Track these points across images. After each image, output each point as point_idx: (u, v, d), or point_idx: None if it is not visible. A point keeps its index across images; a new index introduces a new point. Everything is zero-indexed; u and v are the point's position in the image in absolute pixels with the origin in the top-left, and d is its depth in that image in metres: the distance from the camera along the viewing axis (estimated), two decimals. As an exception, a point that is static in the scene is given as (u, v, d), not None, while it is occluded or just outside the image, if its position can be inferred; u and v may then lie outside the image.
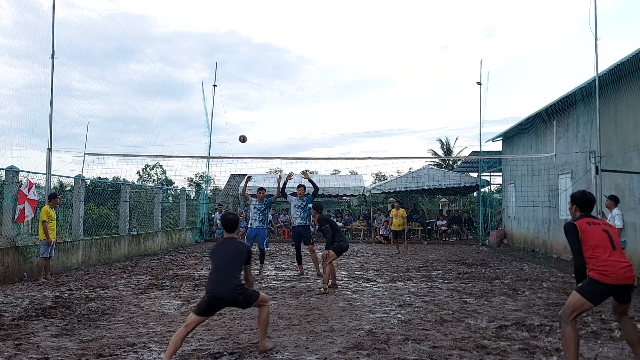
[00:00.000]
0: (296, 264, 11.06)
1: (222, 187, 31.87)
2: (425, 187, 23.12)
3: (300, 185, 10.78)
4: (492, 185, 25.14)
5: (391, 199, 25.69)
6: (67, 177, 12.89)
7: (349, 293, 8.43)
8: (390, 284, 9.44)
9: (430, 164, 29.03)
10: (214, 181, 25.65)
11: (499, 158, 20.89)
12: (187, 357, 4.74)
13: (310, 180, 10.73)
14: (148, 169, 46.93)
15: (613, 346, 5.22)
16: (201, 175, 35.42)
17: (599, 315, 6.50)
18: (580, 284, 4.19)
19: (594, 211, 4.63)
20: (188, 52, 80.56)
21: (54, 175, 11.56)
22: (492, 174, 23.81)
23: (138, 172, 44.64)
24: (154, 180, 45.84)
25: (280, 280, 9.93)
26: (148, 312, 6.76)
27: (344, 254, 9.44)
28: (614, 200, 9.29)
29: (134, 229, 16.22)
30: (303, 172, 12.03)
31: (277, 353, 4.89)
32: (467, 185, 23.21)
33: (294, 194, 10.74)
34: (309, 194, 10.67)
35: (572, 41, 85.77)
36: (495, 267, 12.42)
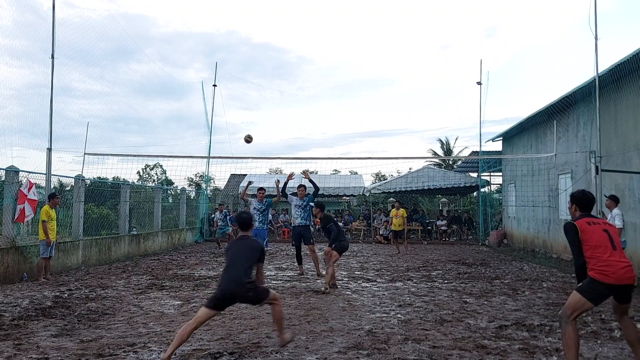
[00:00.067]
0: (296, 264, 11.06)
1: (222, 187, 31.88)
2: (425, 187, 23.12)
3: (300, 185, 10.77)
4: (492, 185, 25.15)
5: (391, 199, 25.70)
6: (67, 177, 12.90)
7: (349, 293, 8.43)
8: (390, 284, 9.44)
9: (430, 164, 29.03)
10: (214, 181, 25.68)
11: (499, 158, 20.89)
12: (187, 357, 4.74)
13: (310, 180, 10.73)
14: (148, 169, 46.97)
15: (613, 346, 5.22)
16: (201, 175, 35.45)
17: (599, 315, 6.50)
18: (580, 284, 4.19)
19: (594, 211, 4.62)
20: (188, 52, 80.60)
21: (54, 175, 11.57)
22: (492, 174, 23.81)
23: (138, 172, 44.68)
24: (154, 180, 45.86)
25: (280, 280, 9.93)
26: (148, 312, 6.76)
27: (344, 253, 9.49)
28: (614, 200, 9.29)
29: (134, 229, 16.23)
30: (303, 172, 12.03)
31: (277, 353, 4.89)
32: (467, 185, 23.21)
33: (294, 194, 10.74)
34: (309, 194, 10.67)
35: (572, 41, 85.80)
36: (495, 267, 12.42)
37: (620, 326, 4.46)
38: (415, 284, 9.46)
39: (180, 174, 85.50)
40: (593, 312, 6.45)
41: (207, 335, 5.53)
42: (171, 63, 74.72)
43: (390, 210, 19.09)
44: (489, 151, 22.05)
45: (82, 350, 4.90)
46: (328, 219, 9.26)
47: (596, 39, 10.50)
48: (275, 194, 10.96)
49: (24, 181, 10.38)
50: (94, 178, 16.39)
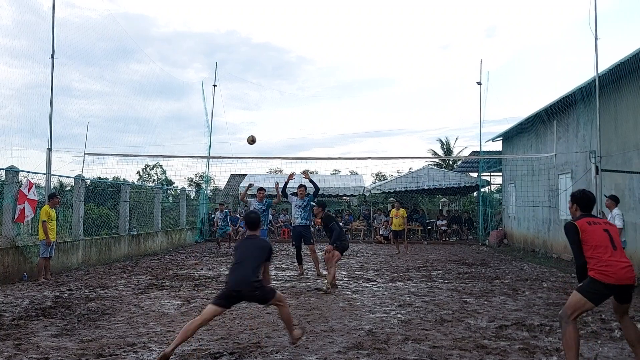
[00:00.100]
0: (296, 264, 11.05)
1: (222, 187, 31.89)
2: (425, 187, 23.12)
3: (301, 186, 10.76)
4: (492, 185, 25.15)
5: (391, 199, 25.70)
6: (67, 177, 12.90)
7: (349, 293, 8.43)
8: (390, 284, 9.44)
9: (430, 164, 29.02)
10: (214, 181, 25.73)
11: (499, 158, 20.89)
12: (187, 357, 4.74)
13: (310, 181, 10.72)
14: (148, 169, 46.96)
15: (613, 346, 5.22)
16: (201, 175, 35.45)
17: (599, 315, 6.50)
18: (580, 284, 4.19)
19: (594, 211, 4.62)
20: (188, 52, 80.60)
21: (54, 175, 11.57)
22: (492, 174, 23.81)
23: (138, 172, 44.67)
24: (154, 180, 45.86)
25: (280, 280, 9.92)
26: (148, 312, 6.76)
27: (344, 253, 9.52)
28: (615, 200, 9.29)
29: (134, 229, 16.23)
30: (303, 172, 12.02)
31: (277, 353, 4.89)
32: (467, 185, 23.21)
33: (294, 194, 10.73)
34: (309, 194, 10.66)
35: (572, 41, 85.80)
36: (495, 267, 12.42)
37: (621, 326, 4.46)
38: (415, 284, 9.46)
39: (180, 174, 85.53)
40: (593, 312, 6.45)
41: (207, 335, 5.53)
42: (171, 63, 74.75)
43: (390, 210, 19.10)
44: (489, 151, 22.05)
45: (82, 350, 4.90)
46: (330, 218, 9.35)
47: (596, 39, 10.51)
48: (275, 194, 10.96)
49: (24, 181, 10.38)
50: (94, 178, 16.40)
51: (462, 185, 23.21)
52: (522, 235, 18.48)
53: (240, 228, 19.07)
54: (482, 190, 23.24)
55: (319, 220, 9.85)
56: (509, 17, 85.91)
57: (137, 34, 70.37)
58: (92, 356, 4.74)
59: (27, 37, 11.97)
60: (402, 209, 16.37)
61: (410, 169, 30.63)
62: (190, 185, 41.01)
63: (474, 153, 24.43)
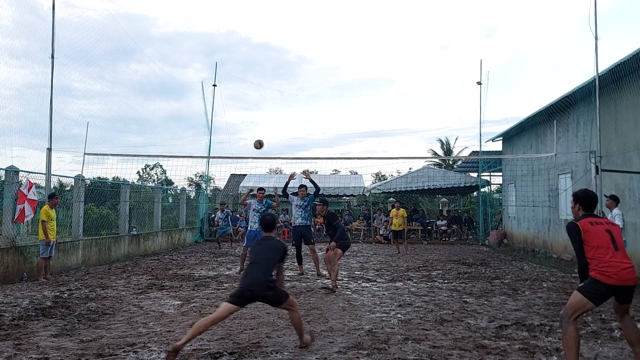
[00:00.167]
0: (296, 263, 11.05)
1: (222, 187, 31.89)
2: (425, 187, 23.12)
3: (302, 186, 10.75)
4: (492, 185, 25.15)
5: (391, 199, 25.70)
6: (67, 177, 12.90)
7: (349, 293, 8.42)
8: (390, 284, 9.44)
9: (430, 164, 29.02)
10: (214, 181, 25.72)
11: (499, 158, 20.89)
12: (187, 357, 4.74)
13: (311, 181, 10.71)
14: (148, 169, 46.98)
15: (613, 346, 5.22)
16: (201, 175, 35.44)
17: (599, 315, 6.49)
18: (581, 284, 4.18)
19: (595, 211, 4.61)
20: (188, 52, 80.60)
21: (53, 175, 11.56)
22: (492, 174, 23.81)
23: (138, 172, 44.71)
24: (154, 180, 45.87)
25: (280, 280, 9.91)
26: (148, 312, 6.76)
27: (344, 253, 9.54)
28: (615, 200, 9.29)
29: (134, 229, 16.22)
30: (304, 172, 12.00)
31: (277, 353, 4.89)
32: (467, 185, 23.21)
33: (295, 194, 10.72)
34: (310, 194, 10.65)
35: (572, 41, 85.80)
36: (495, 267, 12.42)
37: (621, 326, 4.45)
38: (415, 284, 9.46)
39: (180, 174, 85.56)
40: (593, 312, 6.45)
41: (207, 335, 5.53)
42: (171, 63, 74.75)
43: (390, 210, 19.09)
44: (489, 151, 22.05)
45: (82, 350, 4.90)
46: (334, 216, 9.45)
47: (596, 39, 10.51)
48: (276, 191, 10.96)
49: (24, 181, 10.38)
50: (93, 178, 16.40)
51: (462, 185, 23.21)
52: (522, 235, 18.48)
53: (240, 228, 19.08)
54: (482, 190, 23.24)
55: (320, 219, 9.91)
56: (509, 17, 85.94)
57: (137, 34, 70.39)
58: (92, 356, 4.74)
59: (27, 37, 11.98)
60: (402, 209, 16.37)
61: (410, 169, 30.67)
62: (190, 185, 41.04)
63: (474, 153, 24.43)
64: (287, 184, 10.72)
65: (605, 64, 10.65)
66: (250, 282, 4.75)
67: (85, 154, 12.65)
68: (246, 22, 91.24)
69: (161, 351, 4.92)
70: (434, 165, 30.01)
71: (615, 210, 9.12)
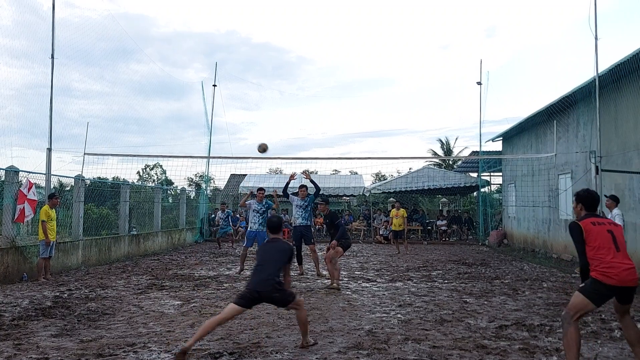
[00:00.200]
0: (296, 263, 11.04)
1: (222, 187, 31.88)
2: (425, 187, 23.12)
3: (302, 186, 10.74)
4: (492, 185, 25.15)
5: (391, 199, 25.69)
6: (67, 177, 12.89)
7: (349, 293, 8.42)
8: (390, 284, 9.44)
9: (430, 164, 29.03)
10: (213, 181, 25.67)
11: (499, 158, 20.89)
12: (187, 357, 4.73)
13: (311, 181, 10.71)
14: (148, 169, 46.98)
15: (613, 346, 5.22)
16: (201, 176, 35.44)
17: (599, 315, 6.49)
18: (583, 284, 4.17)
19: (597, 211, 4.59)
20: (188, 52, 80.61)
21: (53, 175, 11.56)
22: (492, 174, 23.81)
23: (138, 172, 44.71)
24: (154, 181, 45.86)
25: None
26: (148, 312, 6.76)
27: (344, 253, 9.57)
28: (615, 200, 9.29)
29: (134, 229, 16.22)
30: (304, 172, 11.99)
31: (277, 353, 4.89)
32: (467, 185, 23.21)
33: (295, 194, 10.72)
34: (310, 194, 10.64)
35: (572, 41, 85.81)
36: (495, 267, 12.42)
37: (621, 326, 4.45)
38: (415, 284, 9.45)
39: (180, 174, 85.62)
40: (593, 312, 6.44)
41: (207, 335, 5.52)
42: (171, 63, 74.76)
43: (390, 211, 19.09)
44: (489, 151, 22.04)
45: (82, 350, 4.90)
46: (336, 215, 9.57)
47: (596, 39, 10.51)
48: (276, 192, 10.95)
49: (24, 181, 10.38)
50: (93, 178, 16.39)
51: (462, 186, 23.21)
52: (522, 235, 18.48)
53: (240, 228, 19.07)
54: (482, 190, 23.24)
55: (320, 220, 9.99)
56: (509, 17, 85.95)
57: (137, 34, 70.39)
58: (92, 356, 4.74)
59: (27, 37, 11.98)
60: (402, 209, 16.36)
61: (410, 169, 30.66)
62: (190, 185, 41.03)
63: (474, 153, 24.42)
64: (287, 184, 10.71)
65: (605, 64, 10.67)
66: (257, 285, 4.78)
67: (85, 154, 12.65)
68: (246, 22, 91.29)
69: (161, 351, 4.92)
70: (434, 165, 30.01)
71: (615, 211, 9.12)
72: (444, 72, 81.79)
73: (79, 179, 12.63)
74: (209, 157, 20.73)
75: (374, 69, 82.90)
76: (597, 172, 10.38)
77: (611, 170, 10.90)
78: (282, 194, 10.80)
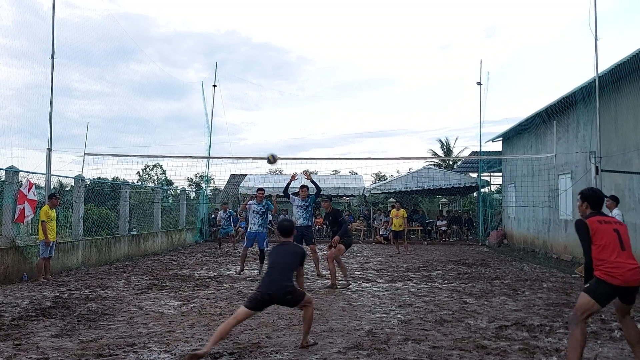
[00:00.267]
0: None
1: (222, 188, 31.88)
2: (425, 188, 23.12)
3: (303, 186, 10.70)
4: (492, 186, 25.15)
5: (391, 199, 25.69)
6: (67, 177, 12.89)
7: (349, 293, 8.43)
8: (390, 284, 9.44)
9: (430, 164, 29.03)
10: (213, 181, 25.67)
11: (499, 158, 20.89)
12: (187, 357, 4.73)
13: (312, 181, 10.68)
14: (148, 169, 46.98)
15: (613, 346, 5.22)
16: (201, 176, 35.44)
17: (599, 315, 6.48)
18: (588, 285, 4.14)
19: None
20: (188, 52, 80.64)
21: (53, 175, 11.56)
22: (492, 174, 23.81)
23: (138, 173, 44.71)
24: (154, 181, 45.86)
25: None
26: (148, 312, 6.76)
27: (344, 253, 9.61)
28: (615, 201, 9.29)
29: (134, 229, 16.22)
30: (305, 172, 11.94)
31: (277, 353, 4.89)
32: (467, 185, 23.20)
33: (296, 194, 10.70)
34: (311, 194, 10.61)
35: (572, 41, 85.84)
36: (495, 268, 12.42)
37: (621, 326, 4.44)
38: (415, 284, 9.45)
39: (180, 174, 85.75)
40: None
41: (207, 335, 5.53)
42: (171, 63, 74.79)
43: (390, 211, 19.09)
44: (489, 151, 22.04)
45: (82, 351, 4.90)
46: (339, 212, 9.66)
47: (596, 39, 10.51)
48: (276, 194, 10.95)
49: (24, 181, 10.38)
50: (93, 178, 16.39)
51: (462, 186, 23.20)
52: (522, 235, 18.48)
53: (240, 228, 19.07)
54: (482, 190, 23.24)
55: (321, 220, 10.02)
56: (509, 17, 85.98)
57: (137, 34, 70.40)
58: (92, 356, 4.74)
59: (27, 37, 11.99)
60: (402, 210, 16.36)
61: (410, 169, 30.66)
62: (190, 185, 41.02)
63: (473, 153, 24.43)
64: (288, 184, 10.69)
65: (605, 64, 10.67)
66: (269, 288, 4.81)
67: (85, 154, 12.65)
68: (246, 22, 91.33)
69: (161, 351, 4.92)
70: (434, 165, 30.01)
71: (615, 211, 9.12)
72: (444, 72, 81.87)
73: (79, 179, 12.63)
74: (209, 157, 20.74)
75: (374, 69, 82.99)
76: (597, 173, 10.38)
77: (611, 171, 10.90)
78: (282, 194, 10.78)
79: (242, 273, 10.66)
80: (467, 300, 7.75)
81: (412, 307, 7.25)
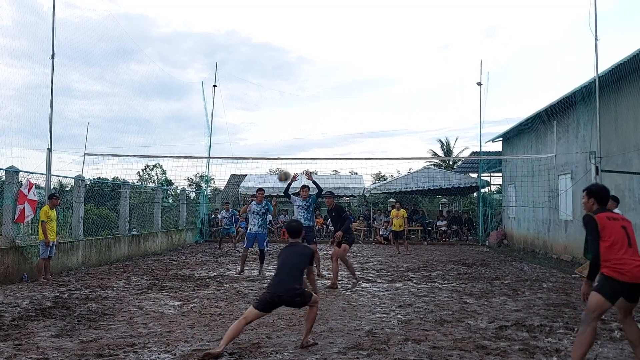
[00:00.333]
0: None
1: (222, 188, 31.87)
2: (425, 188, 23.12)
3: (304, 186, 10.67)
4: (492, 186, 25.15)
5: (391, 199, 25.70)
6: (67, 177, 12.90)
7: (349, 293, 8.43)
8: (390, 285, 9.44)
9: (430, 165, 29.02)
10: (214, 181, 25.67)
11: (499, 158, 20.89)
12: (187, 357, 4.74)
13: (313, 182, 10.67)
14: (148, 169, 46.96)
15: (613, 346, 5.22)
16: (201, 176, 35.43)
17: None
18: (597, 284, 4.11)
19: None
20: (188, 52, 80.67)
21: (54, 175, 11.56)
22: (492, 174, 23.81)
23: (138, 173, 44.67)
24: (154, 181, 45.84)
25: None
26: (148, 313, 6.76)
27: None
28: (615, 201, 9.28)
29: (134, 230, 16.22)
30: (306, 173, 11.92)
31: (277, 353, 4.89)
32: (467, 185, 23.20)
33: (297, 194, 10.69)
34: (312, 195, 10.60)
35: (572, 41, 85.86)
36: (495, 268, 12.41)
37: (622, 326, 4.41)
38: (415, 285, 9.45)
39: (180, 174, 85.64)
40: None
41: (207, 335, 5.53)
42: (171, 63, 74.81)
43: (390, 211, 19.09)
44: (489, 152, 22.04)
45: (82, 351, 4.90)
46: (342, 208, 9.75)
47: (596, 39, 10.52)
48: (276, 194, 10.94)
49: (24, 181, 10.38)
50: (94, 178, 16.39)
51: (462, 186, 23.20)
52: (522, 235, 18.48)
53: (240, 229, 19.07)
54: (482, 190, 23.24)
55: (321, 220, 10.03)
56: (509, 17, 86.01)
57: (137, 34, 70.43)
58: (92, 356, 4.74)
59: (27, 38, 12.00)
60: (402, 210, 16.36)
61: (410, 169, 30.65)
62: (190, 185, 40.99)
63: (474, 153, 24.43)
64: (289, 184, 10.69)
65: (605, 65, 10.67)
66: (278, 289, 4.84)
67: (85, 154, 12.66)
68: (246, 22, 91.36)
69: (161, 351, 4.92)
70: (434, 165, 30.02)
71: (615, 211, 9.11)
72: (444, 72, 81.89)
73: (79, 179, 12.63)
74: (209, 158, 20.74)
75: (374, 69, 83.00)
76: (597, 173, 10.38)
77: (611, 171, 10.90)
78: (283, 194, 10.78)
79: (242, 273, 10.66)
80: (467, 301, 7.75)
81: (412, 307, 7.25)
